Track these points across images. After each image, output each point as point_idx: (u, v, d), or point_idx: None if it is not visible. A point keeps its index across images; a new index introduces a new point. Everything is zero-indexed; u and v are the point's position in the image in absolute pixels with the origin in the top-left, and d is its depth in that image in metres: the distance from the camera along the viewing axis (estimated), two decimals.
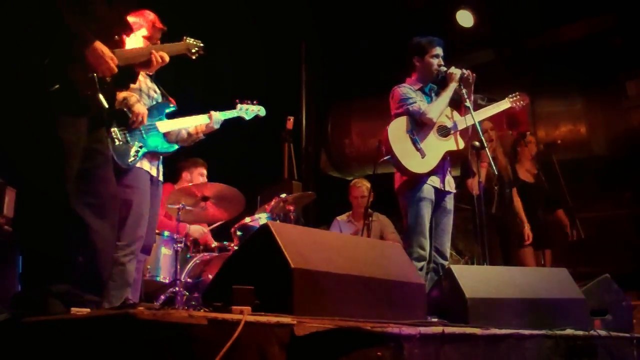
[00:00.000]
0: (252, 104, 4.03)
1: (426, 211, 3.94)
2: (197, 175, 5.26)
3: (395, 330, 2.03)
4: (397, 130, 4.00)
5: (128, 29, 2.94)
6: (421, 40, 4.19)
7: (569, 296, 3.12)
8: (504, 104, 4.33)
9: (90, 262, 2.58)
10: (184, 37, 3.32)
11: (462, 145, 4.09)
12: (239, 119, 4.01)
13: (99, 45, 2.60)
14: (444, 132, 4.06)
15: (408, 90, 4.11)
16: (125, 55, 2.80)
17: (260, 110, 4.07)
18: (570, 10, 6.67)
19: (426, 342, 2.14)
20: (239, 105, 4.00)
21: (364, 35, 7.42)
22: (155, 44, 3.40)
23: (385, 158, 4.08)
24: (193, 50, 3.29)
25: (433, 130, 4.04)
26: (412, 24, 6.48)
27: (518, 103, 4.35)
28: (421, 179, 3.96)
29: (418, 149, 3.95)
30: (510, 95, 4.36)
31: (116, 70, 2.67)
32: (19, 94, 2.50)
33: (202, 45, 3.31)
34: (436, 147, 4.01)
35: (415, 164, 3.94)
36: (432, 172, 3.98)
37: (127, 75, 2.88)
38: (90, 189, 2.62)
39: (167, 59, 3.10)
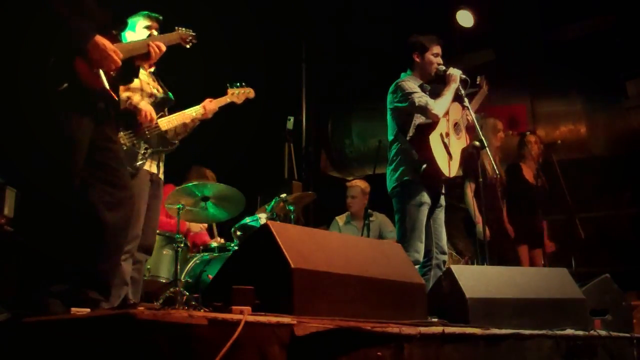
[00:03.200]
0: (242, 86, 4.04)
1: (424, 215, 3.93)
2: None
3: (395, 330, 2.03)
4: (436, 134, 3.94)
5: (122, 24, 2.96)
6: (422, 37, 4.18)
7: (569, 296, 3.12)
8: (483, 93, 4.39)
9: (102, 262, 2.59)
10: (176, 28, 3.37)
11: (470, 141, 4.11)
12: (240, 117, 4.02)
13: (100, 39, 2.59)
14: (458, 129, 4.07)
15: (412, 84, 4.06)
16: (125, 49, 2.81)
17: (250, 92, 4.08)
18: (570, 10, 6.67)
19: (426, 342, 2.14)
20: (229, 90, 4.01)
21: (364, 34, 7.42)
22: (155, 34, 3.46)
23: (423, 167, 3.87)
24: (187, 40, 3.33)
25: (452, 131, 4.03)
26: (412, 24, 6.48)
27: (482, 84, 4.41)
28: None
29: (448, 152, 3.95)
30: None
31: (120, 63, 2.67)
32: (25, 94, 2.50)
33: (194, 34, 3.35)
34: (457, 147, 4.02)
35: (446, 167, 3.91)
36: None
37: (129, 69, 2.89)
38: (110, 189, 2.63)
39: (163, 48, 3.15)
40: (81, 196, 2.52)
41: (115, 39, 2.77)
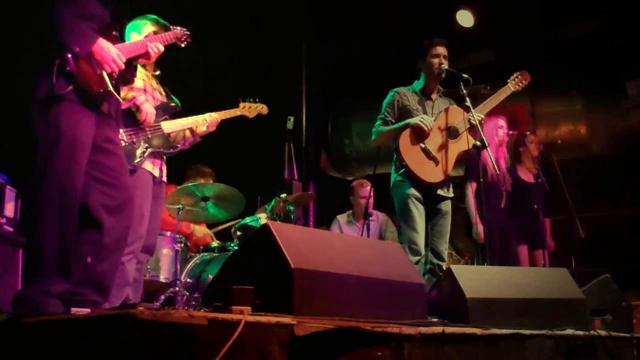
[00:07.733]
0: (255, 102, 4.05)
1: (414, 207, 3.96)
2: None
3: (395, 330, 2.03)
4: (407, 141, 4.00)
5: (123, 25, 2.97)
6: (423, 42, 4.20)
7: (569, 296, 3.12)
8: (507, 90, 4.30)
9: (101, 263, 2.59)
10: (171, 27, 3.40)
11: (472, 142, 4.08)
12: (241, 117, 4.04)
13: (103, 41, 2.64)
14: (454, 133, 4.05)
15: (393, 99, 4.13)
16: (126, 50, 2.83)
17: (263, 109, 4.09)
18: (570, 10, 6.67)
19: (426, 342, 2.14)
20: (241, 104, 4.01)
21: (364, 35, 7.42)
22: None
23: (401, 171, 4.06)
24: (182, 39, 3.35)
25: (442, 134, 4.03)
26: (412, 24, 6.48)
27: (520, 84, 4.32)
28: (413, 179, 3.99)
29: (431, 158, 3.97)
30: (511, 78, 4.33)
31: (123, 65, 2.70)
32: (30, 95, 2.53)
33: (188, 33, 3.37)
34: (448, 151, 4.00)
35: (431, 173, 3.95)
36: None
37: (129, 69, 2.91)
38: (107, 190, 2.64)
39: (161, 48, 3.18)
40: (81, 198, 2.54)
41: (116, 39, 2.79)
